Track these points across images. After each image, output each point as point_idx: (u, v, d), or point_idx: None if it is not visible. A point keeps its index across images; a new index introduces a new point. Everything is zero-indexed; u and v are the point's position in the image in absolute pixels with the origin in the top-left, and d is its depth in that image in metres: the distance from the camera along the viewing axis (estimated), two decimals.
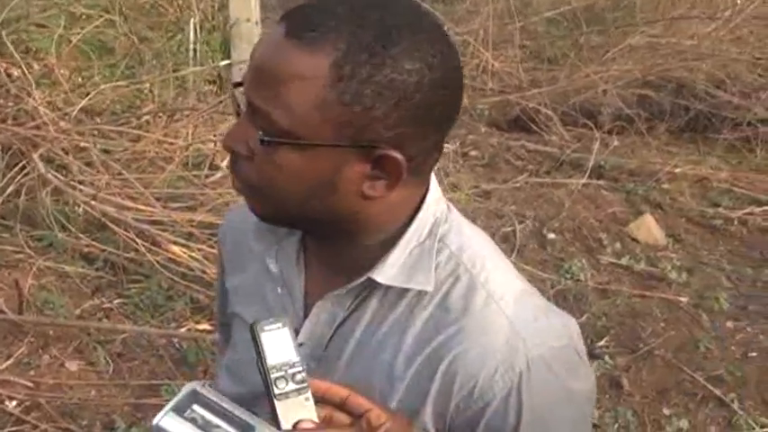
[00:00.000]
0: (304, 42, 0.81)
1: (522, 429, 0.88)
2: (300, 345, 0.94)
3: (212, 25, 5.20)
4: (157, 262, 3.14)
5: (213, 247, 3.24)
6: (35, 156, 3.35)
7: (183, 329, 2.98)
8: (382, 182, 0.86)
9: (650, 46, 5.54)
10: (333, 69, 0.81)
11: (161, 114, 4.24)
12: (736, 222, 4.17)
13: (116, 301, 3.17)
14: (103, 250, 3.30)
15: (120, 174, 3.36)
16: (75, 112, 3.60)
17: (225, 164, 4.27)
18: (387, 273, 0.90)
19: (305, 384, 0.80)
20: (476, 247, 0.94)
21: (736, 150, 4.89)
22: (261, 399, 0.97)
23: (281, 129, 0.82)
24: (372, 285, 0.92)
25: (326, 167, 0.85)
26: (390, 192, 0.87)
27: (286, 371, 0.80)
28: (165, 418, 0.72)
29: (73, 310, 3.09)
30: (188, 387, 0.75)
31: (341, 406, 0.83)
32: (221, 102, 4.82)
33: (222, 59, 5.33)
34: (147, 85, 4.28)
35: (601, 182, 4.44)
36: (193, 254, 3.24)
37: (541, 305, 0.93)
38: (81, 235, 3.27)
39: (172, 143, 3.76)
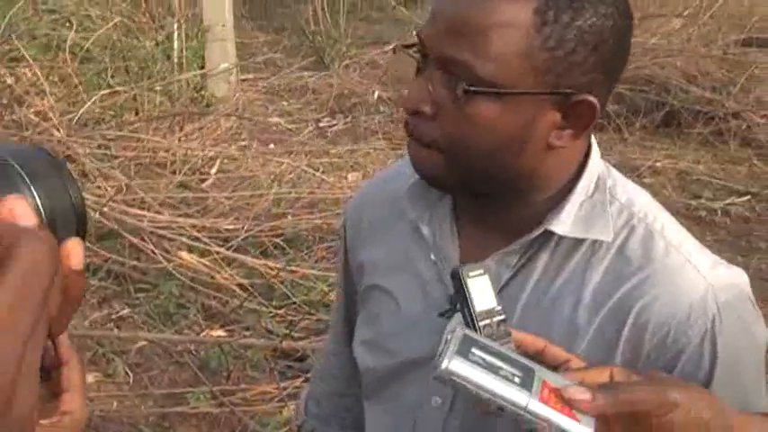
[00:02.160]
0: None
1: (716, 373, 0.88)
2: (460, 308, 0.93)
3: (191, 33, 5.17)
4: (166, 269, 3.09)
5: (216, 252, 3.22)
6: None
7: (201, 335, 2.94)
8: (569, 131, 0.86)
9: None
10: (537, 15, 0.81)
11: (149, 123, 4.18)
12: (719, 213, 4.29)
13: (125, 311, 3.12)
14: (107, 260, 3.23)
15: (125, 181, 3.30)
16: (75, 119, 3.51)
17: (214, 170, 4.24)
18: (564, 224, 0.89)
19: (509, 332, 0.79)
20: (643, 199, 0.94)
21: (710, 143, 5.04)
22: (410, 370, 0.99)
23: (484, 78, 0.81)
24: (542, 240, 0.91)
25: (523, 118, 0.84)
26: (574, 141, 0.87)
27: (492, 318, 0.79)
28: (454, 362, 0.68)
29: (81, 322, 3.02)
30: (459, 332, 0.72)
31: (538, 356, 0.80)
32: (204, 111, 4.79)
33: (201, 65, 5.31)
34: (134, 93, 4.22)
35: None
36: (201, 260, 3.21)
37: (714, 256, 0.94)
38: (86, 244, 3.20)
39: (168, 149, 3.71)
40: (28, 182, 0.46)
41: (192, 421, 2.64)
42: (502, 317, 0.79)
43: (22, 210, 0.39)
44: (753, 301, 0.92)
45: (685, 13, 5.96)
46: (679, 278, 0.88)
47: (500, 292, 0.91)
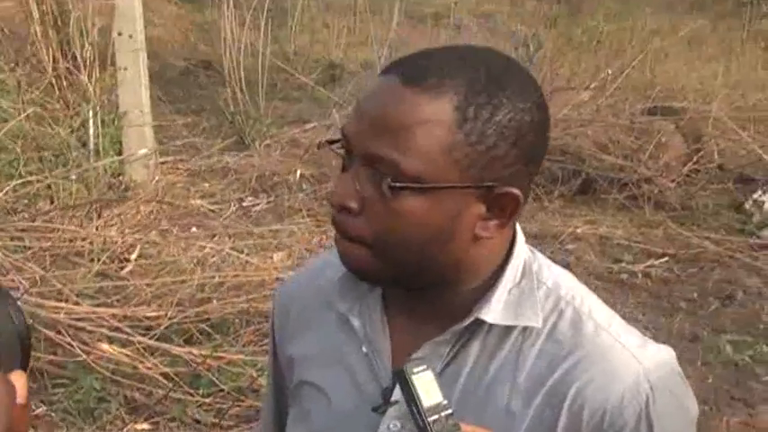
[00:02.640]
0: (425, 88, 0.84)
1: None
2: (395, 402, 0.92)
3: (108, 119, 5.10)
4: (85, 362, 2.96)
5: (138, 342, 3.11)
6: None
7: None
8: (494, 222, 0.88)
9: None
10: (457, 111, 0.84)
11: (65, 211, 4.07)
12: (640, 276, 4.41)
13: (41, 409, 2.95)
14: None
15: (41, 273, 3.17)
16: None
17: (133, 256, 4.13)
18: (494, 312, 0.90)
19: (458, 425, 0.79)
20: (569, 282, 0.96)
21: (626, 208, 5.21)
22: None
23: (409, 174, 0.83)
24: (473, 329, 0.91)
25: (449, 211, 0.86)
26: (500, 231, 0.89)
27: (440, 413, 0.79)
28: None
29: None
30: None
31: None
32: (123, 196, 4.70)
33: (118, 152, 5.22)
34: (49, 182, 4.11)
35: None
36: (123, 350, 3.09)
37: (639, 333, 0.95)
38: None
39: (84, 237, 3.60)
40: None
41: None
42: (449, 411, 0.79)
43: None
44: (682, 377, 0.93)
45: (593, 86, 6.22)
46: (610, 359, 0.89)
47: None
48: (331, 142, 0.92)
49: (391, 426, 0.93)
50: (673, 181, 5.32)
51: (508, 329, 0.92)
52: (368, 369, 0.96)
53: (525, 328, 0.92)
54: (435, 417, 0.78)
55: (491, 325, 0.91)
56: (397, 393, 0.92)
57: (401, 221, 0.85)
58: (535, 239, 4.71)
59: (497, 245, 0.92)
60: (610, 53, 7.07)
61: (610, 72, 6.10)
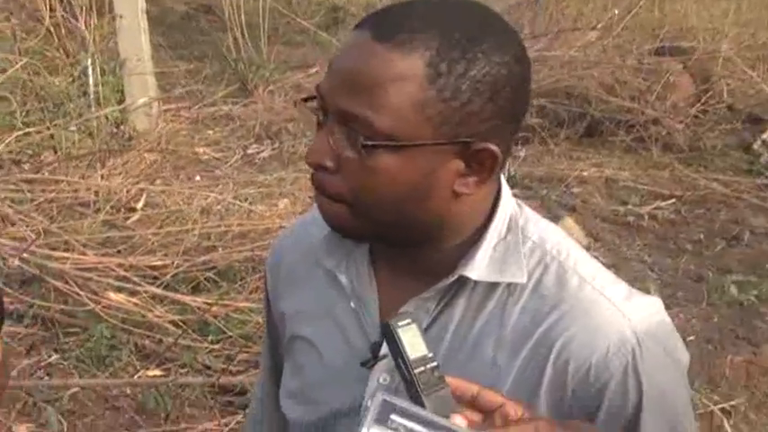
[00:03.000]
0: (396, 44, 0.82)
1: (644, 404, 0.88)
2: (384, 356, 0.93)
3: (108, 67, 5.05)
4: (95, 311, 2.99)
5: (146, 290, 3.13)
6: None
7: (135, 377, 2.84)
8: (473, 178, 0.87)
9: (540, 59, 5.78)
10: (429, 67, 0.82)
11: (68, 161, 4.06)
12: (646, 217, 4.39)
13: (54, 357, 2.99)
14: (32, 305, 3.11)
15: (47, 224, 3.18)
16: None
17: (140, 205, 4.13)
18: (477, 269, 0.90)
19: (443, 377, 0.79)
20: (555, 236, 0.95)
21: (633, 150, 5.17)
22: (336, 420, 0.98)
23: (382, 132, 0.82)
24: (458, 285, 0.92)
25: (424, 168, 0.85)
26: (480, 188, 0.88)
27: (426, 365, 0.79)
28: (372, 430, 0.68)
29: (10, 372, 2.88)
30: (378, 398, 0.72)
31: (471, 402, 0.80)
32: (127, 145, 4.68)
33: (119, 100, 5.19)
34: (50, 132, 4.09)
35: (515, 190, 4.56)
36: (131, 299, 3.11)
37: (626, 285, 0.94)
38: (8, 290, 3.06)
39: (89, 187, 3.60)
40: None
41: None
42: (434, 363, 0.80)
43: None
44: (671, 326, 0.93)
45: (600, 26, 6.11)
46: (594, 313, 0.89)
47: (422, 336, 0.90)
48: (306, 99, 0.90)
49: (380, 379, 0.94)
50: (681, 122, 5.26)
51: (493, 285, 0.92)
52: (356, 324, 0.98)
53: (510, 284, 0.92)
54: (421, 369, 0.78)
55: (476, 281, 0.91)
56: (385, 348, 0.92)
57: (376, 179, 0.85)
58: (541, 183, 4.70)
59: (480, 201, 0.91)
60: None
61: (617, 12, 5.98)
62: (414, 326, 0.81)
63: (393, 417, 0.70)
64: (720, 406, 2.87)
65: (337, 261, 0.98)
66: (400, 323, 0.81)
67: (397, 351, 0.80)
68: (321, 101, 0.87)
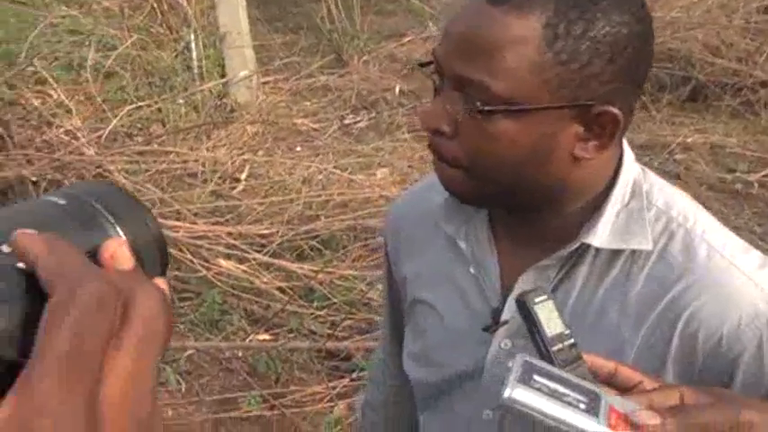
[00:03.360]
0: (512, 6, 0.81)
1: None
2: (505, 322, 0.95)
3: (209, 41, 5.19)
4: (207, 277, 3.12)
5: (254, 258, 3.24)
6: (67, 183, 3.31)
7: (247, 341, 2.96)
8: (594, 143, 0.86)
9: None
10: (547, 29, 0.80)
11: (176, 134, 4.21)
12: (756, 185, 4.24)
13: None
14: None
15: (159, 194, 3.32)
16: (104, 136, 3.55)
17: (243, 176, 4.26)
18: (600, 236, 0.89)
19: (580, 355, 0.77)
20: (682, 202, 0.93)
21: (740, 115, 4.97)
22: (459, 383, 0.99)
23: (499, 96, 0.81)
24: (580, 252, 0.91)
25: (542, 132, 0.84)
26: (601, 152, 0.86)
27: (563, 342, 0.78)
28: (516, 390, 0.67)
29: None
30: (519, 359, 0.71)
31: (609, 379, 0.77)
32: (229, 118, 4.82)
33: (221, 74, 5.33)
34: (159, 106, 4.25)
35: None
36: (240, 266, 3.23)
37: (759, 253, 0.92)
38: None
39: (197, 159, 3.73)
40: (113, 222, 0.45)
41: (245, 425, 2.67)
42: (571, 340, 0.78)
43: (123, 254, 0.40)
44: None
45: None
46: (725, 282, 0.87)
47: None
48: (423, 65, 0.90)
49: (502, 344, 0.95)
50: None
51: (617, 253, 0.90)
52: (477, 289, 0.98)
53: (634, 252, 0.90)
54: (559, 346, 0.77)
55: (599, 248, 0.90)
56: (506, 313, 0.95)
57: (494, 143, 0.84)
58: (642, 150, 4.58)
59: (601, 165, 0.90)
60: None
61: None
62: (550, 302, 0.80)
63: (536, 377, 0.69)
64: None
65: (457, 227, 0.99)
66: (537, 299, 0.79)
67: (534, 327, 0.79)
68: (437, 66, 0.87)
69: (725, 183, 4.29)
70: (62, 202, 0.44)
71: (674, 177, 4.35)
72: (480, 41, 0.82)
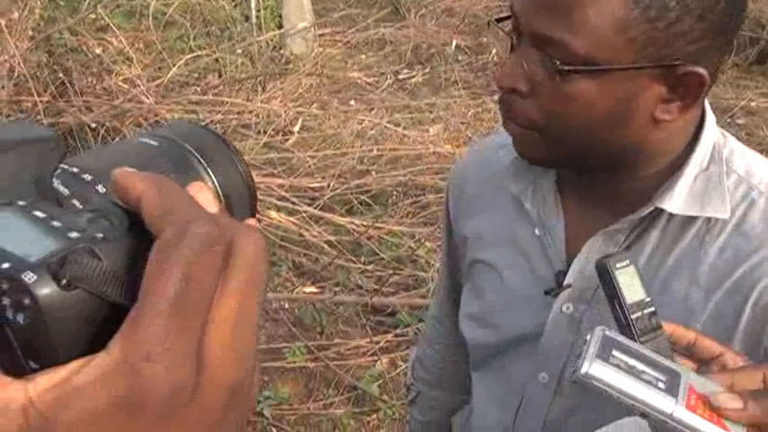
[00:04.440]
0: None
1: None
2: (569, 286, 0.93)
3: None
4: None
5: (304, 210, 3.28)
6: (125, 130, 3.38)
7: (294, 293, 3.01)
8: (676, 104, 0.81)
9: None
10: None
11: (232, 85, 4.25)
12: None
13: None
14: None
15: None
16: (162, 84, 3.60)
17: (296, 128, 4.29)
18: (675, 202, 0.85)
19: (660, 324, 0.75)
20: (764, 169, 0.89)
21: None
22: (516, 345, 0.98)
23: (580, 56, 0.77)
24: (651, 217, 0.88)
25: (624, 93, 0.79)
26: (684, 114, 0.82)
27: (643, 311, 0.76)
28: (594, 366, 0.65)
29: None
30: (598, 333, 0.68)
31: (688, 350, 0.75)
32: (284, 70, 4.83)
33: (278, 25, 5.33)
34: (217, 56, 4.28)
35: None
36: (290, 218, 3.27)
37: None
38: None
39: (251, 110, 3.77)
40: (204, 164, 0.44)
41: (289, 375, 2.73)
42: (652, 308, 0.76)
43: (205, 198, 0.38)
44: None
45: None
46: None
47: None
48: (500, 20, 0.87)
49: (564, 308, 0.93)
50: None
51: (691, 219, 0.87)
52: (540, 251, 0.96)
53: (710, 219, 0.87)
54: (638, 314, 0.75)
55: (673, 214, 0.86)
56: (570, 277, 0.93)
57: (572, 105, 0.80)
58: None
59: (681, 128, 0.86)
60: None
61: None
62: (631, 268, 0.77)
63: (615, 353, 0.67)
64: None
65: (524, 187, 0.97)
66: (618, 264, 0.77)
67: (614, 293, 0.76)
68: (515, 21, 0.83)
69: None
70: (154, 143, 0.43)
71: None
72: None
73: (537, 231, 0.96)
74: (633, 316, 0.75)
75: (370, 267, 3.11)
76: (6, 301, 0.32)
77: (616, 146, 0.84)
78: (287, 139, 4.10)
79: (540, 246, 0.96)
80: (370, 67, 5.56)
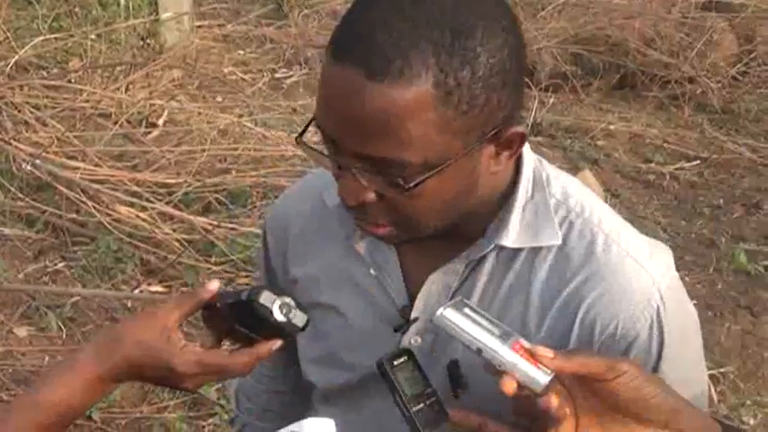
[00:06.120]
0: (394, 77, 0.78)
1: (663, 356, 0.92)
2: (414, 320, 0.96)
3: None
4: (103, 223, 3.05)
5: (155, 207, 3.18)
6: None
7: (136, 291, 2.91)
8: (505, 154, 0.88)
9: (582, 5, 5.63)
10: (437, 89, 0.79)
11: (94, 70, 4.08)
12: (668, 177, 4.32)
13: (61, 264, 3.07)
14: (44, 212, 3.18)
15: (62, 132, 3.22)
16: (8, 68, 3.41)
17: (161, 121, 4.16)
18: (511, 236, 0.92)
19: (444, 412, 0.82)
20: (576, 191, 0.96)
21: (665, 107, 5.05)
22: (371, 382, 0.97)
23: (417, 165, 0.81)
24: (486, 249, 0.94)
25: (465, 172, 0.85)
26: (512, 159, 0.90)
27: (424, 402, 0.82)
28: (447, 310, 0.79)
29: (15, 275, 2.98)
30: (457, 298, 0.84)
31: None
32: (155, 59, 4.68)
33: (150, 13, 5.16)
34: (77, 39, 4.10)
35: (539, 138, 4.52)
36: (140, 214, 3.17)
37: (647, 239, 0.97)
38: (21, 195, 3.13)
39: (112, 98, 3.63)
40: None
41: None
42: (434, 398, 0.82)
43: None
44: (678, 278, 0.96)
45: None
46: (621, 274, 0.91)
47: (450, 299, 0.93)
48: (302, 134, 0.88)
49: (412, 341, 0.97)
50: (718, 82, 5.11)
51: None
52: (380, 290, 0.99)
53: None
54: (420, 405, 0.81)
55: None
56: (415, 312, 0.97)
57: (423, 201, 0.85)
58: (566, 133, 4.62)
59: (508, 166, 0.92)
60: None
61: None
62: (411, 361, 0.84)
63: (466, 309, 0.81)
64: (710, 372, 2.88)
65: (352, 229, 0.97)
66: (395, 362, 0.83)
67: (394, 389, 0.82)
68: (333, 144, 0.84)
69: (639, 172, 4.36)
70: None
71: (593, 162, 4.41)
72: (378, 121, 0.79)
73: (372, 271, 0.99)
74: (415, 408, 0.81)
75: (219, 268, 3.05)
76: None
77: (467, 209, 0.90)
78: (149, 132, 3.97)
79: (379, 284, 0.99)
80: (247, 64, 5.47)
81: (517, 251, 0.93)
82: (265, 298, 0.83)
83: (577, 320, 0.91)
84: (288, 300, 0.84)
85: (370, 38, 0.79)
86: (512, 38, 0.83)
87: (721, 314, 3.24)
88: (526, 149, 0.93)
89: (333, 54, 0.81)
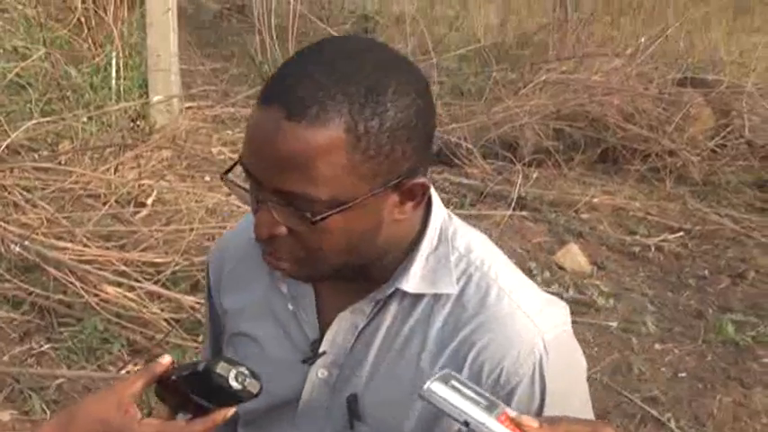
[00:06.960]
0: (310, 120, 0.88)
1: (546, 401, 1.00)
2: (322, 353, 1.05)
3: (133, 62, 5.13)
4: (90, 304, 3.04)
5: (143, 286, 3.18)
6: None
7: (122, 372, 2.88)
8: (409, 204, 0.97)
9: (562, 82, 5.78)
10: (348, 134, 0.88)
11: (84, 152, 4.13)
12: (652, 249, 4.36)
13: (47, 346, 3.05)
14: (30, 293, 3.17)
15: (51, 213, 3.24)
16: (1, 148, 3.45)
17: (150, 201, 4.19)
18: (412, 282, 1.01)
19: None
20: (479, 246, 1.05)
21: (647, 180, 5.14)
22: (278, 409, 1.09)
23: (325, 201, 0.90)
24: (392, 293, 1.02)
25: (369, 216, 0.94)
26: (417, 210, 0.99)
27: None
28: (435, 384, 0.84)
29: (0, 357, 2.95)
30: (444, 371, 0.88)
31: None
32: (145, 140, 4.75)
33: (141, 96, 5.26)
34: (68, 122, 4.16)
35: (524, 213, 4.58)
36: (128, 294, 3.16)
37: (542, 295, 1.06)
38: (8, 277, 3.13)
39: (102, 179, 3.66)
40: None
41: None
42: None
43: None
44: (571, 334, 1.05)
45: (628, 52, 6.09)
46: (510, 324, 1.00)
47: (357, 337, 1.05)
48: (228, 172, 0.97)
49: (319, 374, 1.06)
50: (697, 155, 5.22)
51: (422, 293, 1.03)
52: (296, 323, 1.08)
53: (436, 293, 1.02)
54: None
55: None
56: (324, 345, 1.06)
57: (328, 237, 0.93)
58: (550, 206, 4.68)
59: (415, 216, 1.01)
60: (648, 18, 6.90)
61: (643, 39, 5.95)
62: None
63: (453, 382, 0.86)
64: None
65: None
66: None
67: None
68: (254, 181, 0.93)
69: (624, 244, 4.40)
70: None
71: (577, 236, 4.46)
72: (292, 158, 0.88)
73: (290, 306, 1.08)
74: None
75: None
76: None
77: (371, 253, 0.99)
78: (137, 212, 3.99)
79: (295, 319, 1.08)
80: (235, 143, 5.54)
81: (419, 297, 1.02)
82: (222, 368, 0.90)
83: (467, 365, 0.99)
84: (242, 368, 0.91)
85: (294, 87, 0.89)
86: (421, 101, 0.93)
87: (712, 386, 3.23)
88: (436, 204, 1.03)
89: (261, 99, 0.91)
